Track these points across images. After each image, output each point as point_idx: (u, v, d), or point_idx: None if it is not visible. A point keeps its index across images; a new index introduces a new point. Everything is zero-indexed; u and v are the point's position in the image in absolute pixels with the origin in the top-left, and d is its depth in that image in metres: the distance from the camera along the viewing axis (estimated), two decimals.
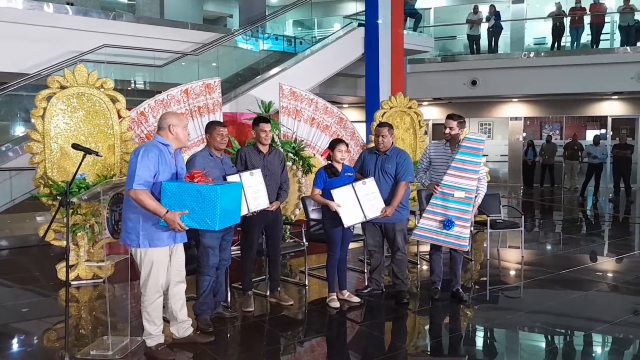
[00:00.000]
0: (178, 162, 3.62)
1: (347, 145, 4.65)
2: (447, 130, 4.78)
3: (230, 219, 3.58)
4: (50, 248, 6.42)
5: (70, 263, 4.20)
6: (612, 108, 14.63)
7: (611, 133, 14.68)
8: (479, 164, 4.60)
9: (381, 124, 4.88)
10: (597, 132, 14.38)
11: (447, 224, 4.59)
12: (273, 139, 6.43)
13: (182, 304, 3.78)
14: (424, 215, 4.75)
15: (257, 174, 4.45)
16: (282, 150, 6.15)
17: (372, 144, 6.94)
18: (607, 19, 13.50)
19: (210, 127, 4.25)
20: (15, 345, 4.05)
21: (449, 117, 4.84)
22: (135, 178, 3.32)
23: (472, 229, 4.96)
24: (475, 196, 4.67)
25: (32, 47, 7.75)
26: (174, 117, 3.60)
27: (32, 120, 5.21)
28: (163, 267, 3.57)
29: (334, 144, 4.59)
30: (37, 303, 4.97)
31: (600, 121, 15.06)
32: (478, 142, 4.59)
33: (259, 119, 4.80)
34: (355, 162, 5.09)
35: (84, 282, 5.33)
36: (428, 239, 4.76)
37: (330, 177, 4.55)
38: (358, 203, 4.52)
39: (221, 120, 5.80)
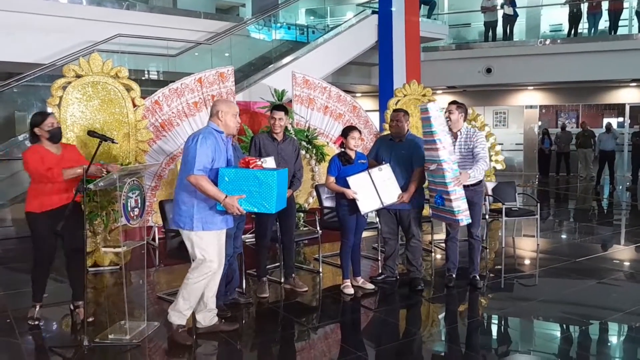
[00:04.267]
0: (228, 149, 3.65)
1: (360, 132, 4.63)
2: (447, 114, 4.70)
3: (281, 202, 3.64)
4: None
5: (87, 250, 4.27)
6: (630, 95, 14.39)
7: (629, 121, 14.45)
8: (434, 133, 4.34)
9: (396, 110, 4.91)
10: (614, 119, 14.20)
11: (437, 200, 4.53)
12: (286, 128, 6.43)
13: (214, 292, 3.78)
14: (428, 193, 4.82)
15: (270, 161, 4.45)
16: (296, 138, 6.14)
17: (386, 132, 6.93)
18: (625, 4, 13.24)
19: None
20: (35, 330, 4.12)
21: (449, 103, 4.83)
22: (195, 164, 3.37)
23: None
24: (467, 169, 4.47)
25: (47, 37, 7.81)
26: (223, 104, 3.63)
27: (49, 109, 5.26)
28: (215, 249, 3.61)
29: (347, 131, 4.58)
30: (55, 289, 5.03)
31: (618, 109, 14.84)
32: (423, 110, 4.47)
33: (272, 107, 4.79)
34: (370, 149, 5.09)
35: (101, 268, 5.40)
36: (436, 216, 4.75)
37: (344, 165, 4.54)
38: (375, 189, 4.51)
39: None
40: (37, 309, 4.02)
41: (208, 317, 3.81)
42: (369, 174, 4.53)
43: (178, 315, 3.66)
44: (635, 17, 13.13)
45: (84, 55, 5.95)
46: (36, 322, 3.96)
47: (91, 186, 3.57)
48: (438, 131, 4.37)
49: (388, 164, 4.65)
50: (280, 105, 4.84)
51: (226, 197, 3.41)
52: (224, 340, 3.74)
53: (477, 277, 4.90)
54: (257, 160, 3.62)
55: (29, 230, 3.90)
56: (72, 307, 4.09)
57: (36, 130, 3.79)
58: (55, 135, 3.84)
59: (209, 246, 3.57)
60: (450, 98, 15.72)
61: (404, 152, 4.72)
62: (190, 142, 3.46)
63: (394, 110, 4.92)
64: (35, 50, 7.76)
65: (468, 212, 4.44)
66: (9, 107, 8.90)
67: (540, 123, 15.37)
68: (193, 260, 3.62)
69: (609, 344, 4.00)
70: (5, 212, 7.37)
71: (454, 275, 4.94)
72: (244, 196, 3.44)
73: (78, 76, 5.32)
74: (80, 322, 3.89)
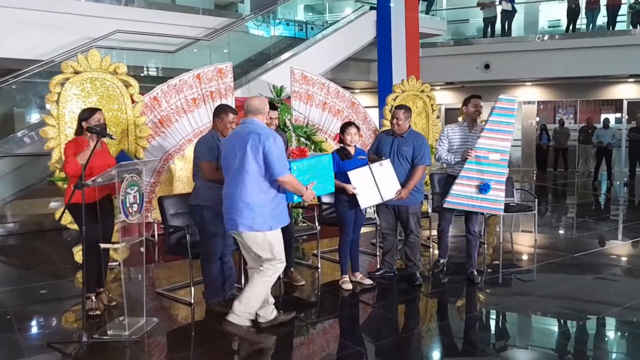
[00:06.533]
0: None
1: (358, 128, 4.62)
2: (474, 109, 4.87)
3: None
4: (67, 232, 6.52)
5: None
6: (628, 91, 14.40)
7: (627, 117, 14.47)
8: (513, 124, 4.64)
9: (397, 106, 4.86)
10: (612, 115, 14.22)
11: (484, 187, 4.59)
12: (285, 124, 6.44)
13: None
14: (457, 181, 4.70)
15: None
16: (284, 133, 6.09)
17: (384, 128, 6.93)
18: (623, 0, 13.23)
19: (221, 112, 4.13)
20: (34, 326, 4.14)
21: (474, 96, 4.95)
22: (286, 164, 3.53)
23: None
24: None
25: (45, 33, 7.80)
26: (266, 105, 3.72)
27: (47, 106, 5.26)
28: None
29: (344, 127, 4.60)
30: (54, 285, 5.06)
31: (616, 104, 14.84)
32: (510, 102, 4.65)
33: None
34: (372, 144, 5.10)
35: None
36: (462, 205, 4.72)
37: (342, 160, 4.55)
38: (375, 184, 4.52)
39: (232, 106, 5.79)
40: (92, 299, 4.09)
41: (269, 311, 3.84)
42: (370, 168, 4.54)
43: (248, 315, 3.68)
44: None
45: (82, 52, 5.93)
46: (97, 313, 4.05)
47: (89, 182, 3.57)
48: (514, 123, 4.65)
49: (389, 159, 4.66)
50: (274, 104, 4.80)
51: (307, 187, 3.67)
52: (222, 335, 3.75)
53: (475, 272, 4.93)
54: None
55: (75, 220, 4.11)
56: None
57: (83, 123, 4.02)
58: (100, 131, 3.95)
59: (280, 243, 3.65)
60: (449, 94, 15.84)
61: (405, 148, 4.70)
62: (267, 143, 3.45)
63: (395, 108, 4.87)
64: (34, 47, 7.74)
65: None
66: (7, 103, 8.89)
67: (538, 119, 15.38)
68: (264, 260, 3.63)
69: (606, 338, 4.02)
70: (6, 209, 7.38)
71: (442, 261, 5.20)
72: (314, 183, 3.78)
73: (76, 72, 5.30)
74: (104, 306, 4.19)
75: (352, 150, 4.59)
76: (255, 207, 3.51)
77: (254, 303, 3.66)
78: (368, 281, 4.84)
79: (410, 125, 4.82)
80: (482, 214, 5.87)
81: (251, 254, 3.72)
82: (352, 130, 4.55)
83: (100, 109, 4.20)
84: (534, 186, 12.19)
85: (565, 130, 14.32)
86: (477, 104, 4.86)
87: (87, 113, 4.08)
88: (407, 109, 4.80)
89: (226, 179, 3.65)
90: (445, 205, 4.82)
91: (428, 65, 12.78)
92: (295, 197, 3.72)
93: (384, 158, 4.69)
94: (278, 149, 3.48)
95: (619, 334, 4.08)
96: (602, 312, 4.30)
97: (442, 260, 5.23)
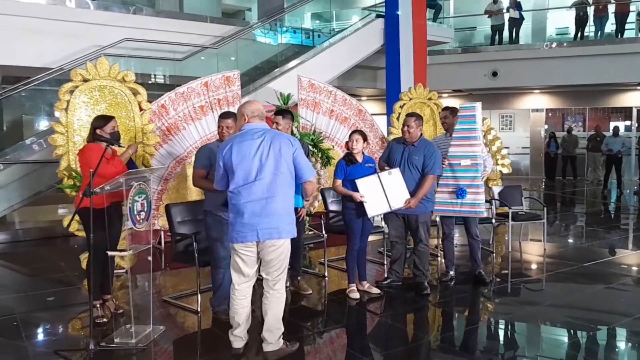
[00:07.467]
0: None
1: (363, 136, 4.59)
2: (442, 120, 5.26)
3: None
4: (74, 239, 6.54)
5: None
6: (638, 98, 14.30)
7: (636, 124, 14.37)
8: (477, 130, 4.82)
9: (409, 114, 4.87)
10: (622, 123, 14.13)
11: (460, 193, 4.80)
12: (292, 131, 6.43)
13: None
14: (437, 189, 4.91)
15: None
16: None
17: (392, 135, 6.92)
18: (632, 7, 13.18)
19: (220, 118, 4.23)
20: (41, 333, 4.14)
21: (443, 109, 5.36)
22: (310, 164, 3.59)
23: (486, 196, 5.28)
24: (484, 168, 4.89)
25: (54, 41, 7.86)
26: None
27: (56, 113, 5.29)
28: None
29: (350, 134, 4.62)
30: (62, 292, 5.07)
31: (625, 112, 14.74)
32: (470, 109, 4.84)
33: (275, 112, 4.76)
34: (383, 151, 5.10)
35: None
36: (446, 211, 4.97)
37: (348, 165, 4.54)
38: (383, 193, 4.51)
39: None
40: (97, 307, 4.07)
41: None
42: (379, 177, 4.53)
43: (281, 336, 3.53)
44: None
45: (91, 60, 5.98)
46: (103, 320, 4.04)
47: (97, 190, 3.57)
48: (479, 129, 4.83)
49: (398, 168, 4.65)
50: (280, 110, 4.82)
51: None
52: (228, 344, 3.73)
53: (482, 271, 5.02)
54: None
55: (84, 226, 4.04)
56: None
57: (98, 131, 4.04)
58: (115, 138, 4.03)
59: None
60: (457, 101, 15.78)
61: (415, 157, 4.67)
62: (296, 144, 3.45)
63: (406, 115, 4.86)
64: (43, 55, 7.81)
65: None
66: (16, 111, 8.96)
67: (546, 126, 15.30)
68: (281, 270, 3.50)
69: (617, 349, 3.97)
70: (14, 216, 7.41)
71: (452, 273, 5.16)
72: None
73: (85, 80, 5.34)
74: (111, 314, 4.16)
75: (359, 157, 4.57)
76: (292, 212, 3.49)
77: (280, 322, 3.53)
78: (375, 290, 4.80)
79: (421, 134, 4.80)
80: (491, 221, 5.89)
81: (267, 265, 3.48)
82: (355, 136, 4.54)
83: (113, 117, 4.21)
84: (543, 194, 12.11)
85: (573, 138, 14.24)
86: (441, 116, 5.34)
87: (101, 121, 4.09)
88: (419, 117, 4.79)
89: (241, 186, 3.34)
90: (432, 212, 5.04)
91: (435, 73, 12.74)
92: (302, 202, 3.74)
93: (387, 167, 4.69)
94: (303, 152, 3.55)
95: (629, 344, 4.02)
96: (613, 322, 4.25)
97: (451, 273, 5.19)
